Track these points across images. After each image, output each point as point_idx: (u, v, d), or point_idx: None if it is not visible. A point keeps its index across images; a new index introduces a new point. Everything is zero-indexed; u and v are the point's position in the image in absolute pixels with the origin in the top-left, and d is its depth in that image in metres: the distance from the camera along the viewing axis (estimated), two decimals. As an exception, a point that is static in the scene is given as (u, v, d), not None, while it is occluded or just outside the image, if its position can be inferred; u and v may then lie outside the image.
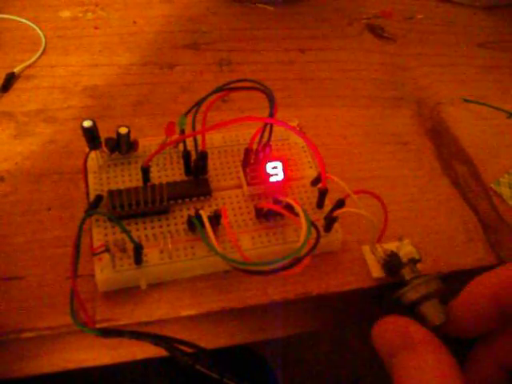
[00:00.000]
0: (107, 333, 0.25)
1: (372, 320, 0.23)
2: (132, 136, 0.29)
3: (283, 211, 0.27)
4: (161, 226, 0.27)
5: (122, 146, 0.29)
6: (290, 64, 0.42)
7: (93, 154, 0.29)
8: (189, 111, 0.29)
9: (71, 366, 0.28)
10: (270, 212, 0.28)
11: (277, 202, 0.27)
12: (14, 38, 0.40)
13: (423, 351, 0.20)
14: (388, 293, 0.26)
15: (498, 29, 0.49)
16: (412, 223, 0.32)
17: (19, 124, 0.34)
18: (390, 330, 0.22)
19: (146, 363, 0.45)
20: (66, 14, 0.43)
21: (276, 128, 0.30)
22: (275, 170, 0.28)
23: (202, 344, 0.27)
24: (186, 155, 0.29)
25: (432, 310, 0.25)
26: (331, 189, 0.28)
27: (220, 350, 0.29)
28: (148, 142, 0.31)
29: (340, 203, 0.27)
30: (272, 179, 0.29)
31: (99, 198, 0.28)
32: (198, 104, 0.29)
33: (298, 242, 0.24)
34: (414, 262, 0.27)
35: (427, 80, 0.42)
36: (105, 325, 0.26)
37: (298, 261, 0.24)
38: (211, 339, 0.30)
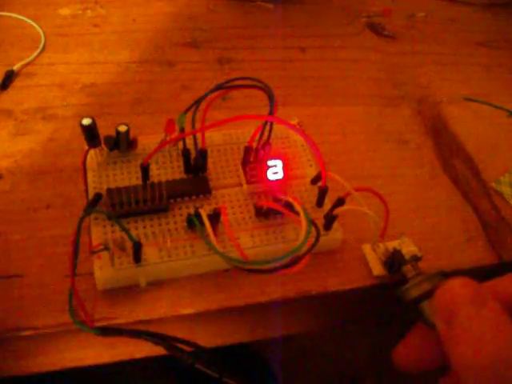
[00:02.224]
0: (106, 331, 0.25)
1: (374, 317, 0.23)
2: (131, 134, 0.29)
3: (283, 209, 0.27)
4: (160, 225, 0.27)
5: (122, 144, 0.29)
6: (290, 62, 0.42)
7: (92, 152, 0.29)
8: (188, 109, 0.29)
9: (70, 364, 0.28)
10: (270, 210, 0.28)
11: (276, 200, 0.27)
12: (14, 35, 0.40)
13: (493, 309, 0.20)
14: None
15: (498, 27, 0.49)
16: (412, 222, 0.32)
17: (18, 121, 0.34)
18: (462, 285, 0.22)
19: (146, 362, 0.45)
20: (65, 11, 0.43)
21: (276, 126, 0.30)
22: (275, 169, 0.28)
23: (202, 343, 0.27)
24: (186, 153, 0.29)
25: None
26: (331, 187, 0.28)
27: (219, 349, 0.29)
28: (147, 140, 0.31)
29: (340, 202, 0.27)
30: (272, 177, 0.28)
31: (98, 196, 0.27)
32: (198, 102, 0.28)
33: (298, 240, 0.24)
34: (415, 259, 0.27)
35: (427, 78, 0.42)
36: (104, 323, 0.26)
37: (297, 259, 0.24)
38: (211, 338, 0.30)
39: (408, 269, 0.27)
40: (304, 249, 0.24)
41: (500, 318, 0.20)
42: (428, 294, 0.25)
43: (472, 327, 0.20)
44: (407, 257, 0.27)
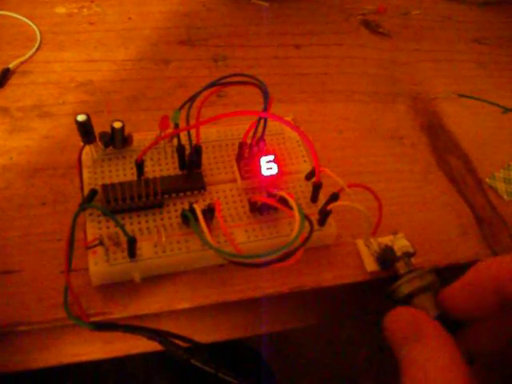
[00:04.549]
0: (101, 326, 0.25)
1: (369, 314, 0.23)
2: (127, 131, 0.29)
3: (277, 205, 0.27)
4: (155, 220, 0.27)
5: (117, 141, 0.29)
6: (285, 59, 0.42)
7: (87, 149, 0.29)
8: (182, 106, 0.29)
9: (66, 360, 0.28)
10: (264, 206, 0.28)
11: (271, 195, 0.27)
12: (10, 33, 0.40)
13: (431, 343, 0.21)
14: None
15: (493, 24, 0.49)
16: (407, 217, 0.32)
17: (14, 119, 0.34)
18: (400, 321, 0.22)
19: (143, 358, 0.45)
20: (61, 10, 0.43)
21: (271, 122, 0.30)
22: (269, 164, 0.29)
23: (198, 338, 0.27)
24: (180, 149, 0.29)
25: (426, 304, 0.25)
26: (325, 183, 0.28)
27: (215, 345, 0.30)
28: (142, 137, 0.31)
29: (334, 197, 0.27)
30: (266, 173, 0.29)
31: (93, 192, 0.28)
32: (192, 98, 0.29)
33: (292, 234, 0.24)
34: (408, 255, 0.27)
35: (423, 75, 0.42)
36: (99, 318, 0.26)
37: (291, 253, 0.24)
38: (206, 333, 0.30)
39: (401, 265, 0.27)
40: (297, 243, 0.24)
41: (434, 358, 0.20)
42: (419, 291, 0.25)
43: (412, 364, 0.20)
44: (400, 253, 0.27)
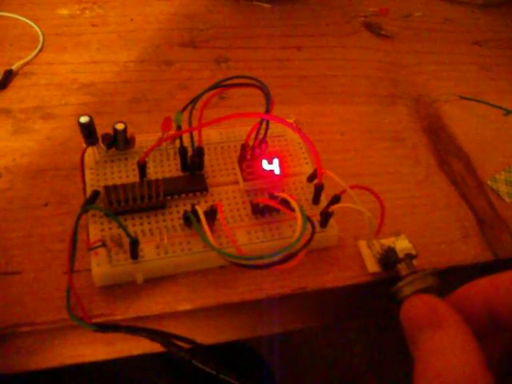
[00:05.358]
0: (103, 328, 0.25)
1: (371, 315, 0.23)
2: (129, 132, 0.29)
3: (279, 206, 0.27)
4: (157, 222, 0.27)
5: (119, 142, 0.29)
6: (287, 61, 0.42)
7: (90, 150, 0.29)
8: (185, 107, 0.29)
9: (68, 361, 0.28)
10: (266, 207, 0.28)
11: (273, 197, 0.27)
12: (12, 35, 0.40)
13: (449, 331, 0.21)
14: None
15: (495, 27, 0.49)
16: (408, 219, 0.32)
17: (17, 120, 0.34)
18: (419, 306, 0.22)
19: (145, 359, 0.45)
20: (63, 11, 0.43)
21: (273, 124, 0.31)
22: (271, 166, 0.29)
23: (199, 339, 0.27)
24: (183, 151, 0.29)
25: None
26: (327, 185, 0.28)
27: (217, 346, 0.30)
28: (145, 138, 0.31)
29: (336, 199, 0.28)
30: (268, 175, 0.29)
31: (96, 193, 0.28)
32: (195, 100, 0.29)
33: (293, 236, 0.24)
34: (410, 257, 0.27)
35: (424, 77, 0.42)
36: (101, 320, 0.26)
37: (292, 255, 0.24)
38: (208, 335, 0.30)
39: (402, 267, 0.27)
40: (299, 244, 0.24)
41: (452, 345, 0.20)
42: (421, 293, 0.25)
43: (431, 351, 0.20)
44: (402, 254, 0.27)
